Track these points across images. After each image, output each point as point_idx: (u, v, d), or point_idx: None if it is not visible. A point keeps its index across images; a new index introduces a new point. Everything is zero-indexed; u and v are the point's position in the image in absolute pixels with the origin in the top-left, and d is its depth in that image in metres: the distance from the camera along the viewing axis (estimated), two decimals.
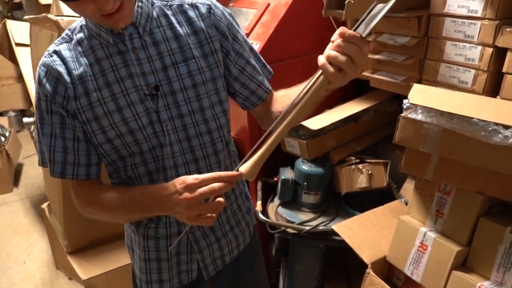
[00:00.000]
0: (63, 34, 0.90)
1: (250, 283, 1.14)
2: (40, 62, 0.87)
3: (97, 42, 0.85)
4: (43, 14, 1.49)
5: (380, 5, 0.75)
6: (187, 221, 0.80)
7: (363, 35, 0.72)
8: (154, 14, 0.88)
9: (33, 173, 3.63)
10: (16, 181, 3.50)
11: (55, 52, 0.86)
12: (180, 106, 0.89)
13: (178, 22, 0.90)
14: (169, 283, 1.01)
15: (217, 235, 1.02)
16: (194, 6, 0.92)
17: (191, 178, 0.78)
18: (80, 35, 0.87)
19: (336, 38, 0.73)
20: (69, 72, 0.85)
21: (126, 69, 0.85)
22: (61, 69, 0.84)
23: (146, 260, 1.00)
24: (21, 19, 3.12)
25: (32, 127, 2.76)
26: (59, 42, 0.88)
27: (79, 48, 0.86)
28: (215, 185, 0.77)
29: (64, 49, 0.86)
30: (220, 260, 1.04)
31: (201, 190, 0.76)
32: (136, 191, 0.86)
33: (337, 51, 0.71)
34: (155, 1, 0.90)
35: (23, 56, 2.53)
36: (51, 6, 2.46)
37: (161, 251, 0.98)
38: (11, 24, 2.68)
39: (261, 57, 1.04)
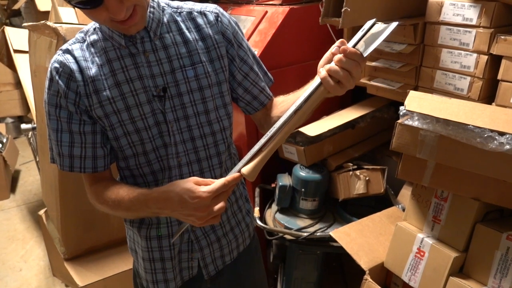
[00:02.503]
0: (77, 35, 0.93)
1: (249, 284, 1.14)
2: (53, 59, 0.89)
3: (110, 44, 0.89)
4: (42, 22, 1.50)
5: (380, 25, 0.76)
6: (195, 225, 0.85)
7: (364, 55, 0.75)
8: (165, 20, 0.92)
9: (30, 180, 3.62)
10: (13, 188, 3.48)
11: (68, 51, 0.89)
12: (186, 107, 0.92)
13: (187, 28, 0.94)
14: (174, 282, 1.02)
15: (217, 235, 1.03)
16: (202, 14, 0.96)
17: (203, 192, 0.79)
18: (94, 36, 0.90)
19: (336, 51, 0.77)
20: (81, 71, 0.88)
21: (136, 71, 0.89)
22: (74, 66, 0.88)
23: (150, 261, 1.01)
24: (19, 26, 3.13)
25: (30, 133, 2.75)
26: (72, 42, 0.91)
27: (92, 49, 0.89)
28: (224, 196, 0.82)
29: (76, 49, 0.90)
30: (220, 260, 1.06)
31: (215, 208, 0.80)
32: (143, 196, 0.87)
33: (337, 66, 0.76)
34: (165, 8, 0.94)
35: (22, 62, 2.53)
36: (49, 13, 2.47)
37: (164, 251, 0.99)
38: (9, 31, 2.68)
39: (263, 65, 1.07)
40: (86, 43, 0.90)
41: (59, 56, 0.89)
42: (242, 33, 1.01)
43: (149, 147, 0.92)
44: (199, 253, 1.02)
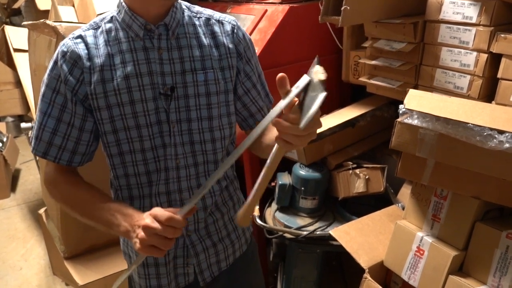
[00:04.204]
0: (91, 21, 0.93)
1: None
2: (63, 42, 0.89)
3: (125, 35, 0.89)
4: (42, 20, 1.50)
5: (316, 84, 0.70)
6: (139, 251, 0.80)
7: (301, 127, 0.70)
8: (184, 22, 0.93)
9: (31, 179, 3.62)
10: (13, 187, 3.49)
11: (80, 36, 0.89)
12: (190, 110, 0.92)
13: (204, 33, 0.95)
14: None
15: (213, 240, 1.03)
16: (220, 22, 0.97)
17: (149, 220, 0.78)
18: (109, 25, 0.90)
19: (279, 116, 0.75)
20: (90, 58, 0.88)
21: (147, 66, 0.89)
22: (83, 53, 0.87)
23: (144, 266, 1.00)
24: (19, 25, 3.12)
25: (30, 132, 2.75)
26: (86, 28, 0.91)
27: (105, 37, 0.89)
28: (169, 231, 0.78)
29: (89, 35, 0.90)
30: (216, 266, 1.05)
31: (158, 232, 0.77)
32: (105, 205, 0.87)
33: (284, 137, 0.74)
34: (186, 11, 0.95)
35: (21, 61, 2.53)
36: (49, 12, 2.47)
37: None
38: (9, 30, 2.68)
39: (266, 85, 1.08)
40: (100, 30, 0.90)
41: (69, 40, 0.88)
42: (254, 51, 1.03)
43: (148, 145, 0.92)
44: (195, 259, 1.01)
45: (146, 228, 0.77)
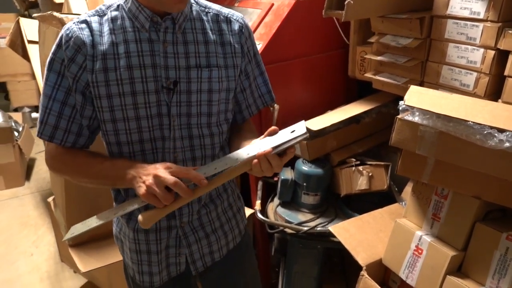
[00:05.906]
0: (97, 8, 0.92)
1: (240, 282, 1.14)
2: (67, 25, 0.88)
3: (131, 25, 0.88)
4: (49, 12, 1.52)
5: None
6: (142, 195, 0.82)
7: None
8: (191, 16, 0.93)
9: (45, 168, 3.69)
10: (28, 175, 3.57)
11: (86, 21, 0.88)
12: (191, 106, 0.92)
13: (211, 30, 0.94)
14: (159, 276, 1.03)
15: (206, 231, 1.03)
16: (228, 20, 0.97)
17: (162, 172, 0.81)
18: (115, 13, 0.89)
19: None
20: (94, 45, 0.87)
21: (151, 58, 0.88)
22: (87, 40, 0.86)
23: (137, 252, 1.02)
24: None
25: None
26: (91, 14, 0.90)
27: (110, 25, 0.88)
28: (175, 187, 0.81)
29: (95, 21, 0.88)
30: (209, 257, 1.06)
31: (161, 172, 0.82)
32: (110, 162, 0.91)
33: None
34: (194, 5, 0.94)
35: (35, 53, 2.57)
36: (63, 5, 2.50)
37: (151, 244, 1.00)
38: (24, 22, 2.73)
39: (268, 82, 1.07)
40: (106, 17, 0.89)
41: (74, 25, 0.87)
42: (257, 49, 1.03)
43: (147, 136, 0.92)
44: (187, 249, 1.02)
45: (156, 177, 0.79)
